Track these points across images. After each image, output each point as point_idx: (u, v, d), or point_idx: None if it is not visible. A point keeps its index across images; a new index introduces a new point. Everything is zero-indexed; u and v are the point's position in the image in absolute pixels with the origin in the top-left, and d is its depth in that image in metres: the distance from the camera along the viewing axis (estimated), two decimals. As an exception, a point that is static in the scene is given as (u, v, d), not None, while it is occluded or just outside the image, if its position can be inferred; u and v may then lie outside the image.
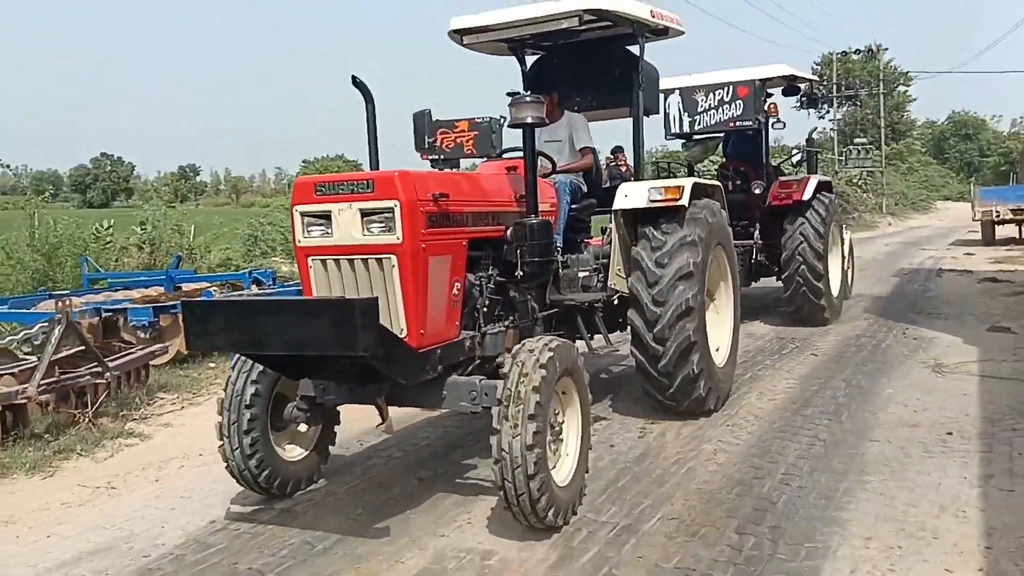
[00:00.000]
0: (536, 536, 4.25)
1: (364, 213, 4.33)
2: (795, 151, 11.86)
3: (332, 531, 4.52)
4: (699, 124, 9.99)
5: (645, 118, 7.08)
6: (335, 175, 4.55)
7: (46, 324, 7.16)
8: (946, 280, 14.87)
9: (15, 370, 6.46)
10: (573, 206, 6.38)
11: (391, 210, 4.27)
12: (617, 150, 13.02)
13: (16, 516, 5.00)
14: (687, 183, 6.19)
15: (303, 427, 5.07)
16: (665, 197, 6.10)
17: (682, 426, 6.20)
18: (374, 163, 5.30)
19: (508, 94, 7.09)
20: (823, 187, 10.36)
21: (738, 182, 10.50)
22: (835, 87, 48.90)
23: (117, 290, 9.73)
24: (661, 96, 10.09)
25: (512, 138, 5.48)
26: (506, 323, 5.22)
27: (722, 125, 9.89)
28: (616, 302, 6.37)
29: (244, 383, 4.69)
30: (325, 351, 3.80)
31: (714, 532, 4.29)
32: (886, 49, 52.19)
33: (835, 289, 10.43)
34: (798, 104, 11.11)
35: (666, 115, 10.13)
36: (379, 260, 4.35)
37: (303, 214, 4.50)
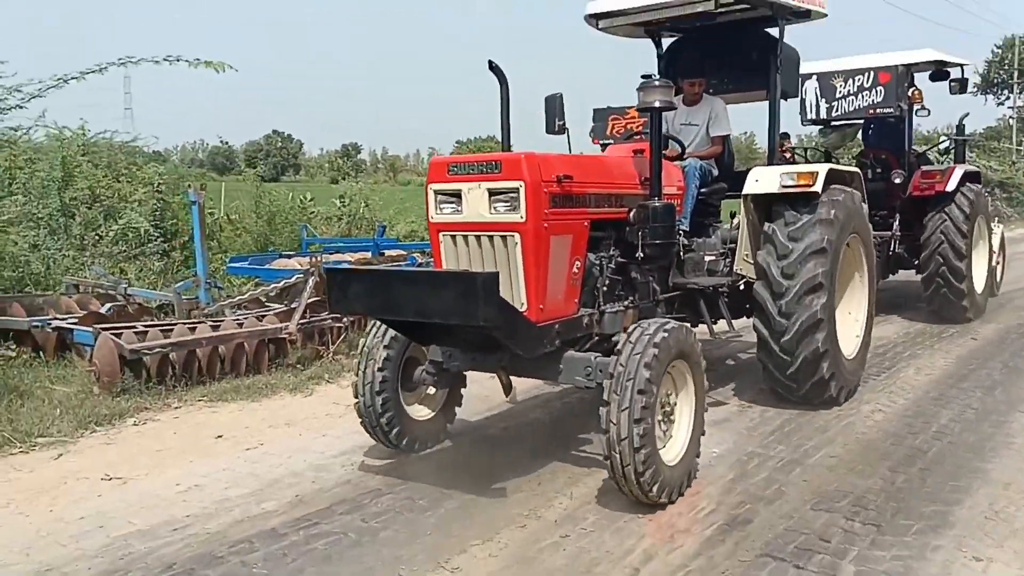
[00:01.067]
0: (711, 456, 5.01)
1: (492, 192, 4.43)
2: (943, 139, 11.09)
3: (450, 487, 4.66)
4: (837, 110, 9.52)
5: (783, 102, 6.86)
6: (467, 156, 4.66)
7: (301, 276, 8.07)
8: None
9: (277, 312, 7.74)
10: (702, 190, 6.28)
11: (516, 190, 4.35)
12: (783, 136, 12.14)
13: (294, 421, 6.09)
14: (822, 169, 5.96)
15: (431, 390, 5.25)
16: (798, 183, 5.89)
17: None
18: (506, 145, 5.37)
19: (643, 77, 7.09)
20: (970, 178, 9.69)
21: (878, 171, 9.97)
22: (1016, 72, 45.23)
23: (331, 253, 10.32)
24: (800, 81, 9.72)
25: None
26: (626, 303, 5.21)
27: (861, 112, 9.39)
28: (742, 287, 6.22)
29: (378, 348, 4.89)
30: (449, 319, 3.94)
31: (869, 469, 4.92)
32: (1075, 30, 47.56)
33: (979, 286, 9.77)
34: (951, 90, 10.24)
35: (802, 100, 9.71)
36: (504, 237, 4.44)
37: (436, 192, 4.64)
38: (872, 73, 9.24)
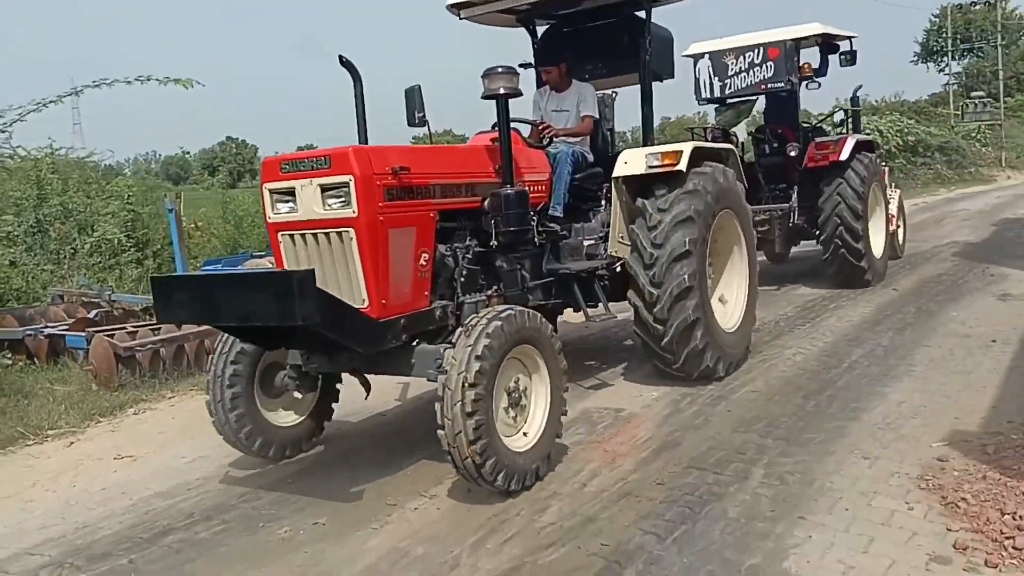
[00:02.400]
0: (650, 398, 5.72)
1: (324, 188, 4.25)
2: (837, 110, 11.03)
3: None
4: (730, 88, 9.42)
5: (660, 83, 6.74)
6: (298, 153, 4.43)
7: None
8: (1046, 226, 14.15)
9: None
10: (576, 176, 6.10)
11: (347, 184, 4.15)
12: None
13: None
14: (686, 147, 5.83)
15: (298, 394, 5.01)
16: (663, 163, 5.75)
17: (772, 334, 7.48)
18: (363, 142, 5.15)
19: (520, 65, 6.91)
20: (863, 147, 9.67)
21: (775, 145, 9.89)
22: (951, 40, 45.66)
23: None
24: (692, 61, 9.63)
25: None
26: (489, 292, 5.02)
27: (754, 88, 9.30)
28: (619, 269, 6.06)
29: (224, 363, 4.69)
30: (269, 322, 3.77)
31: (785, 399, 5.49)
32: (1010, -5, 47.87)
33: (877, 250, 9.76)
34: (839, 62, 10.25)
35: (696, 80, 9.60)
36: (339, 233, 4.26)
37: (271, 191, 4.44)
38: (761, 49, 9.16)
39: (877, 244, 9.77)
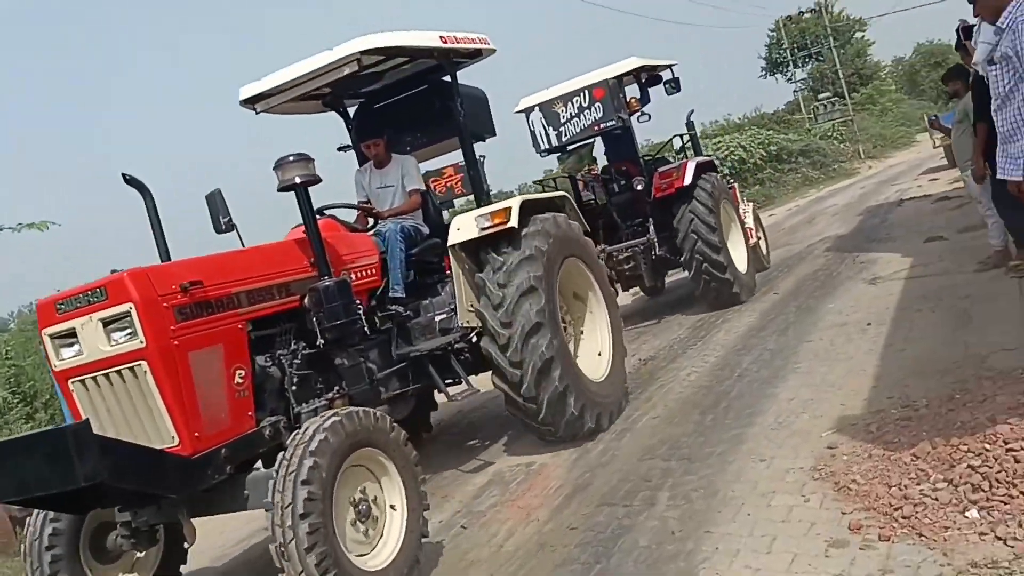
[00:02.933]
0: (559, 446, 5.59)
1: (105, 323, 3.74)
2: (674, 137, 11.17)
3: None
4: (566, 135, 9.36)
5: (482, 142, 6.56)
6: (73, 289, 3.93)
7: None
8: (905, 207, 14.65)
9: None
10: (412, 251, 5.77)
11: (128, 314, 3.66)
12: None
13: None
14: (514, 203, 5.59)
15: (138, 553, 4.39)
16: (493, 223, 5.49)
17: (667, 359, 7.57)
18: (164, 257, 4.67)
19: (339, 149, 6.59)
20: (705, 168, 9.75)
21: (622, 183, 9.87)
22: (790, 50, 48.26)
23: None
24: (524, 117, 9.56)
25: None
26: (330, 395, 4.56)
27: (588, 131, 9.27)
28: (474, 339, 5.70)
29: (42, 523, 4.06)
30: (50, 489, 3.20)
31: (685, 418, 5.58)
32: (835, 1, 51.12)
33: (741, 265, 9.78)
34: (666, 91, 10.47)
35: (532, 133, 9.53)
36: (131, 369, 3.75)
37: (51, 336, 3.89)
38: (587, 92, 9.15)
39: (739, 259, 9.80)
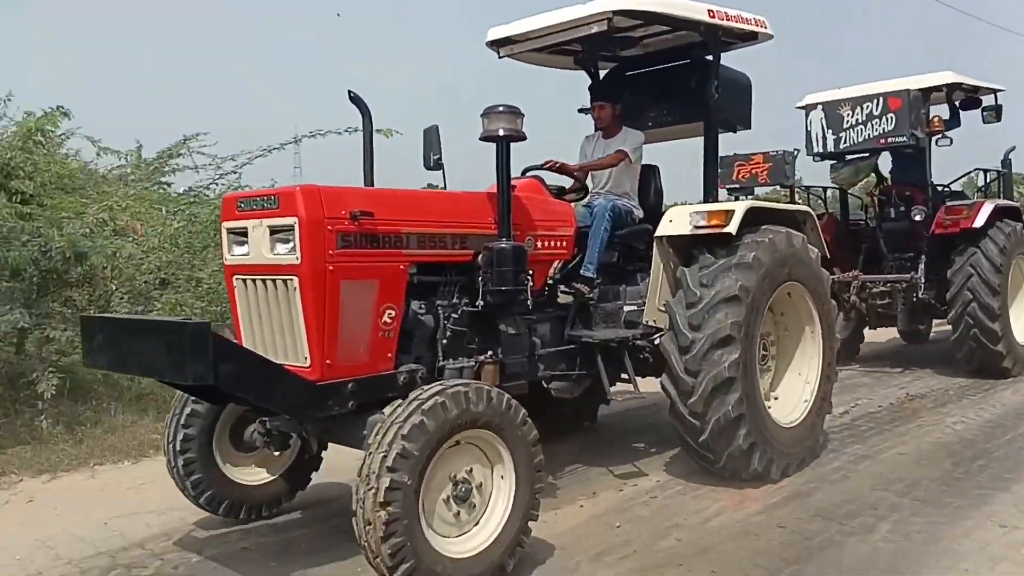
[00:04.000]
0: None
1: (272, 230, 3.77)
2: (974, 170, 9.50)
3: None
4: (845, 142, 8.26)
5: (732, 134, 5.94)
6: (254, 191, 3.98)
7: None
8: None
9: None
10: (619, 232, 5.35)
11: (292, 227, 3.64)
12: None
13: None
14: (740, 207, 4.96)
15: (276, 452, 4.53)
16: (709, 223, 4.91)
17: (936, 401, 7.23)
18: (368, 181, 4.67)
19: (580, 111, 6.25)
20: (1005, 213, 8.22)
21: (901, 208, 8.60)
22: None
23: None
24: (804, 113, 8.59)
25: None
26: (483, 357, 4.33)
27: (871, 142, 8.10)
28: (658, 342, 5.19)
29: (176, 426, 4.30)
30: (163, 376, 3.32)
31: (933, 463, 5.30)
32: None
33: (1021, 335, 8.20)
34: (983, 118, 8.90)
35: (808, 133, 8.51)
36: (285, 281, 3.75)
37: (228, 230, 4.03)
38: (881, 99, 7.98)
39: (1022, 327, 8.22)
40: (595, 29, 4.94)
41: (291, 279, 3.68)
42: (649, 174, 5.80)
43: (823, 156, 8.59)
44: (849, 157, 8.61)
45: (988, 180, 9.17)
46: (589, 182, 5.75)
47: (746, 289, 4.75)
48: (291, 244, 3.67)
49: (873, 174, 9.02)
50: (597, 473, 5.28)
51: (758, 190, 9.02)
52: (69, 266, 6.61)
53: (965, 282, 7.80)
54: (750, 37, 5.56)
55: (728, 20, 5.23)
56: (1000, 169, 9.15)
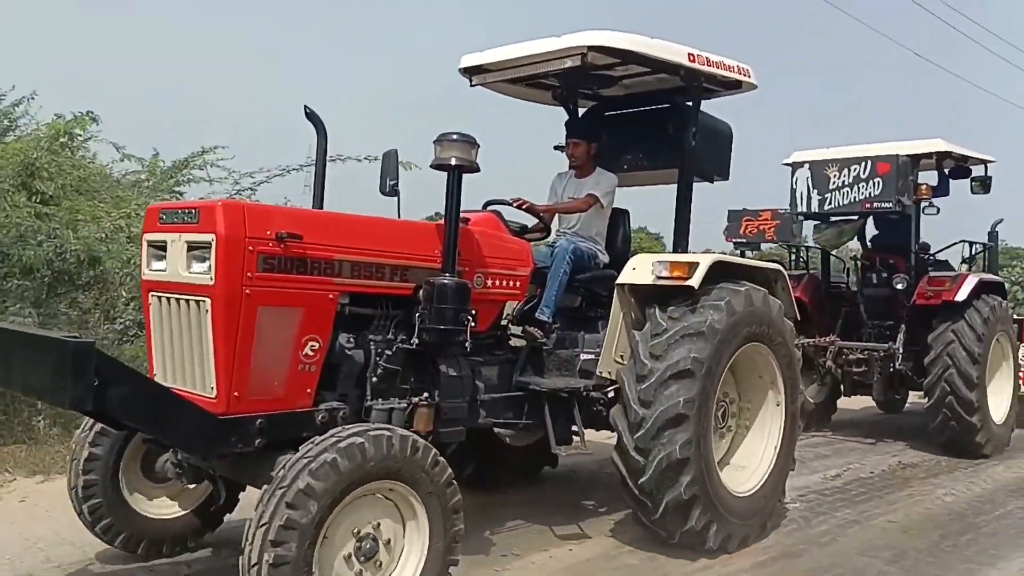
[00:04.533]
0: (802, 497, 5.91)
1: (190, 246, 3.46)
2: (959, 242, 9.24)
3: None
4: (830, 203, 8.00)
5: (710, 184, 5.69)
6: (180, 203, 3.68)
7: None
8: None
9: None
10: (580, 276, 5.07)
11: (209, 245, 3.33)
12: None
13: None
14: (704, 260, 4.66)
15: (191, 484, 4.16)
16: (672, 275, 4.61)
17: (928, 472, 7.17)
18: (318, 203, 4.39)
19: (556, 148, 5.98)
20: (989, 288, 7.96)
21: (883, 275, 8.34)
22: None
23: None
24: (790, 171, 8.36)
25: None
26: (417, 399, 4.01)
27: (856, 205, 7.84)
28: (612, 395, 4.87)
29: (84, 442, 3.96)
30: (43, 398, 2.97)
31: (922, 534, 5.26)
32: None
33: (998, 414, 7.93)
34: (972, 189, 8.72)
35: (793, 191, 8.27)
36: (198, 302, 3.43)
37: (148, 243, 3.70)
38: (869, 163, 7.75)
39: (997, 406, 7.93)
40: (569, 63, 4.70)
41: (204, 300, 3.37)
42: (619, 218, 5.54)
43: (807, 216, 8.34)
44: (833, 219, 8.37)
45: (973, 252, 8.91)
46: (555, 223, 5.48)
47: (699, 362, 4.44)
48: (207, 263, 3.36)
49: (857, 238, 8.79)
50: (585, 517, 5.21)
51: (764, 246, 8.91)
52: (82, 269, 6.81)
53: (945, 348, 7.50)
54: (733, 86, 5.33)
55: (709, 66, 5.00)
56: (986, 242, 8.90)
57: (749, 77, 5.24)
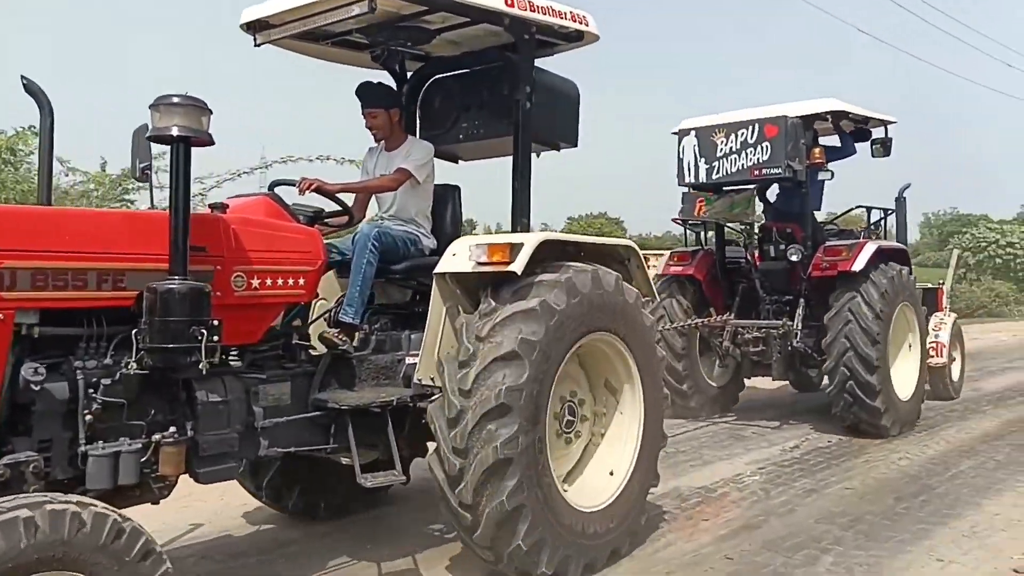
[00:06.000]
0: (744, 479, 5.90)
1: None
2: (856, 207, 8.63)
3: None
4: (717, 172, 7.29)
5: (557, 151, 4.91)
6: None
7: None
8: None
9: None
10: (397, 267, 4.24)
11: None
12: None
13: None
14: (529, 240, 3.86)
15: None
16: (491, 259, 3.81)
17: (877, 439, 7.04)
18: (44, 196, 3.45)
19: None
20: (891, 256, 7.35)
21: (781, 247, 7.68)
22: None
23: None
24: (677, 139, 7.62)
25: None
26: (161, 435, 3.13)
27: (744, 173, 7.15)
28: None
29: None
30: None
31: (878, 498, 5.32)
32: None
33: (904, 390, 7.34)
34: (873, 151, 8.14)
35: (680, 160, 7.55)
36: None
37: None
38: (757, 126, 7.05)
39: (903, 383, 7.36)
40: (356, 11, 3.82)
41: None
42: (447, 196, 4.72)
43: (696, 187, 7.63)
44: (727, 189, 7.67)
45: (880, 218, 8.29)
46: (373, 205, 4.64)
47: (530, 344, 3.65)
48: None
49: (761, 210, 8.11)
50: (433, 545, 4.53)
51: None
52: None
53: (842, 329, 6.91)
54: (574, 37, 4.53)
55: (534, 11, 4.17)
56: (887, 208, 8.29)
57: (587, 26, 4.44)
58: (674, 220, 8.53)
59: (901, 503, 5.22)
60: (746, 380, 8.46)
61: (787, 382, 8.65)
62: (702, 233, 8.89)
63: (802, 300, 7.46)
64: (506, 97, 4.55)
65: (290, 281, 3.68)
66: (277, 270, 3.62)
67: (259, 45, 4.32)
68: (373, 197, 4.62)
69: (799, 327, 7.33)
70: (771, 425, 7.70)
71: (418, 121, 5.04)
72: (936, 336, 8.69)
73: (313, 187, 4.08)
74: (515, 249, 3.78)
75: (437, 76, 4.98)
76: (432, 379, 3.96)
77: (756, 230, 8.22)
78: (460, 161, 5.27)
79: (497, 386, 3.58)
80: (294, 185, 4.12)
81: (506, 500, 3.58)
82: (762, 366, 7.76)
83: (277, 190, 4.12)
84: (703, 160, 7.36)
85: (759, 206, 8.12)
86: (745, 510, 5.10)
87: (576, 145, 4.92)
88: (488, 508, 3.60)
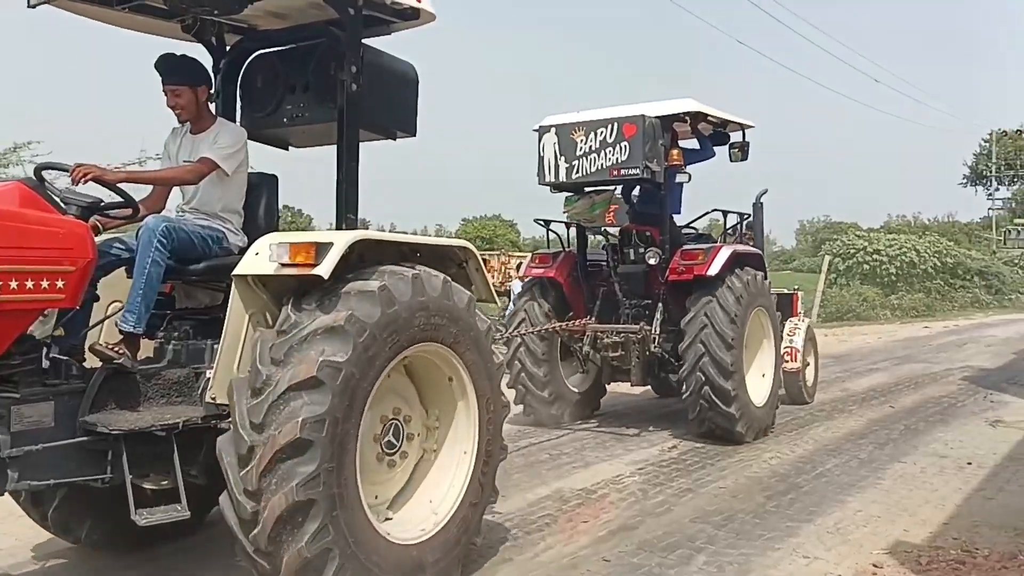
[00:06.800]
0: (624, 478, 6.03)
1: None
2: (712, 211, 8.58)
3: None
4: (577, 171, 7.02)
5: (393, 140, 4.48)
6: None
7: None
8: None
9: None
10: (195, 266, 3.66)
11: None
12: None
13: None
14: (340, 238, 3.38)
15: None
16: (293, 260, 3.30)
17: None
18: None
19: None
20: (746, 260, 7.28)
21: (640, 250, 7.49)
22: (996, 166, 44.86)
23: None
24: (538, 136, 7.31)
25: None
26: None
27: (603, 173, 6.90)
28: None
29: None
30: None
31: (749, 497, 5.50)
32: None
33: (759, 395, 7.29)
34: (731, 156, 8.13)
35: (540, 159, 7.24)
36: None
37: None
38: (616, 125, 6.81)
39: (758, 388, 7.31)
40: None
41: None
42: (262, 187, 4.18)
43: (556, 187, 7.34)
44: (588, 189, 7.41)
45: (737, 223, 8.22)
46: (176, 194, 4.04)
47: (334, 368, 3.17)
48: None
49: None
50: None
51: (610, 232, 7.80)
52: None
53: (697, 333, 6.78)
54: (409, 15, 4.07)
55: None
56: (744, 213, 8.24)
57: (421, 3, 4.00)
58: (536, 221, 8.21)
59: (771, 501, 5.37)
60: (607, 386, 8.24)
61: (648, 387, 8.49)
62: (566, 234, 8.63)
63: (660, 304, 7.30)
64: (333, 77, 4.06)
65: (44, 283, 3.06)
66: (25, 270, 2.99)
67: (34, 6, 3.65)
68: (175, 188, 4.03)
69: (657, 332, 7.16)
70: (630, 432, 7.50)
71: (239, 101, 4.48)
72: (791, 341, 8.75)
73: (90, 176, 3.44)
74: (322, 250, 3.29)
75: (260, 51, 4.42)
76: (216, 396, 3.43)
77: (614, 232, 7.98)
78: (291, 148, 4.74)
79: (294, 418, 3.07)
80: (67, 171, 3.48)
81: (306, 546, 3.08)
82: (622, 371, 7.56)
83: (49, 176, 3.48)
84: (563, 159, 7.07)
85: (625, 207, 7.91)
86: (623, 511, 5.16)
87: (414, 134, 4.47)
88: (287, 555, 3.09)
